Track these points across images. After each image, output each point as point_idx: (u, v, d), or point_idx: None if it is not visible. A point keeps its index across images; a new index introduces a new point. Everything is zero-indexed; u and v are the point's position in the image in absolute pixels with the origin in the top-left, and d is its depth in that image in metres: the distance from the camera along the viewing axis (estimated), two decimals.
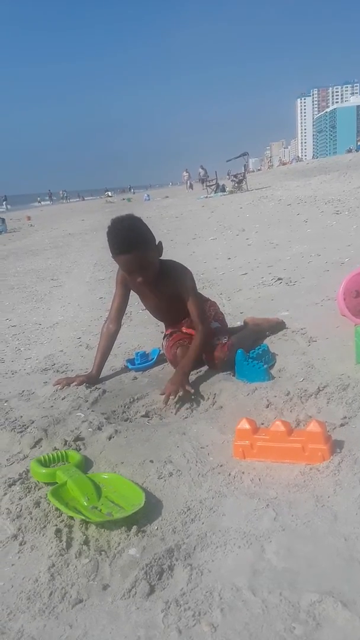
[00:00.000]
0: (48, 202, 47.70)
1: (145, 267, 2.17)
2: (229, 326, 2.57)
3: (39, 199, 52.99)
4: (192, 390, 2.01)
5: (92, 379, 2.31)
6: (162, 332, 2.64)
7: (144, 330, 3.07)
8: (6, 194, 45.68)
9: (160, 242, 2.24)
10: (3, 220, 15.20)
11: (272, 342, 2.46)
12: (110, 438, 1.74)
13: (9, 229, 14.87)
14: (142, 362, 2.46)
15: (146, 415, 1.99)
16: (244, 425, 1.52)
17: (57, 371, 2.55)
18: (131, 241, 2.11)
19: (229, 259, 5.34)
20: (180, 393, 1.98)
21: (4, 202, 40.37)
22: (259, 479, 1.41)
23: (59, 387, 2.22)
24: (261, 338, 2.57)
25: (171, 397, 1.98)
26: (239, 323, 2.99)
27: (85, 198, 50.77)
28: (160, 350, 2.57)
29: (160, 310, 2.49)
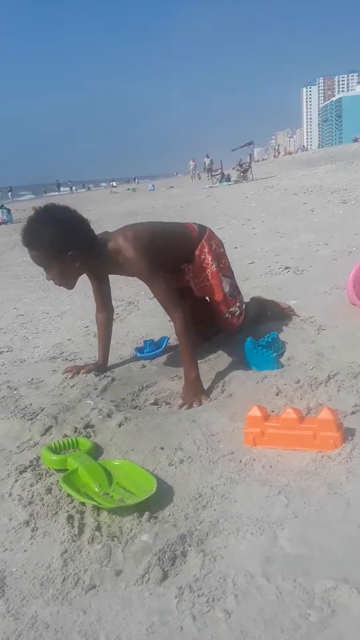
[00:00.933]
0: (66, 190, 47.14)
1: (46, 268, 1.99)
2: None
3: (44, 189, 52.88)
4: (209, 400, 1.90)
5: (100, 368, 2.31)
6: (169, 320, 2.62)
7: (152, 319, 3.06)
8: (12, 184, 45.64)
9: (78, 250, 1.95)
10: (9, 210, 15.19)
11: (281, 331, 2.44)
12: (120, 425, 1.73)
13: (15, 219, 14.85)
14: (150, 351, 2.45)
15: (155, 403, 1.98)
16: (255, 412, 1.51)
17: (66, 359, 2.55)
18: (29, 238, 1.92)
19: (235, 248, 5.30)
20: (196, 405, 1.88)
21: (9, 193, 40.34)
22: (270, 466, 1.40)
23: (69, 375, 2.22)
24: (263, 318, 2.53)
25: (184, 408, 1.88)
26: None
27: (91, 188, 50.57)
28: (168, 339, 2.56)
29: None
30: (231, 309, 2.26)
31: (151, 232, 2.11)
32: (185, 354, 2.01)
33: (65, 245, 1.93)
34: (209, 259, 2.24)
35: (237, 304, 2.28)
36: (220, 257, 2.29)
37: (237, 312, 2.27)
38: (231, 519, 1.21)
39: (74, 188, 50.54)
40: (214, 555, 1.10)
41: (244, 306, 2.32)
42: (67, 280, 2.05)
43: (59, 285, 2.07)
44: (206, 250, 2.24)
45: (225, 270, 2.30)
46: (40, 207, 2.02)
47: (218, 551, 1.11)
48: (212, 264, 2.24)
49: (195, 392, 1.94)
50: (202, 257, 2.24)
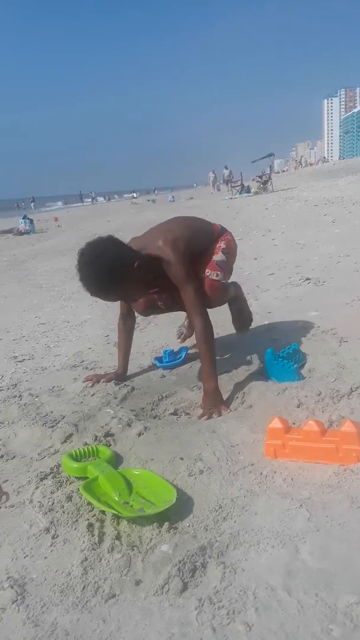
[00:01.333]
0: (88, 202, 47.69)
1: (122, 298, 2.13)
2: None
3: (63, 200, 53.67)
4: (229, 411, 1.89)
5: (120, 377, 2.32)
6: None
7: (171, 329, 3.06)
8: (35, 195, 46.44)
9: (138, 264, 1.96)
10: (31, 220, 15.40)
11: (302, 342, 2.43)
12: (139, 434, 1.74)
13: (37, 229, 15.07)
14: (170, 361, 2.46)
15: (175, 413, 1.98)
16: (276, 424, 1.50)
17: (86, 368, 2.56)
18: (94, 290, 1.93)
19: (255, 259, 5.29)
20: (216, 416, 1.86)
21: (32, 204, 41.04)
22: (292, 479, 1.39)
23: (89, 384, 2.24)
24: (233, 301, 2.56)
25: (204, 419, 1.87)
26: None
27: (111, 199, 51.14)
28: (188, 349, 2.56)
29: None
30: (209, 271, 2.18)
31: (188, 238, 2.12)
32: (205, 363, 2.00)
33: (123, 268, 1.93)
34: (217, 249, 2.25)
35: (220, 272, 2.20)
36: (229, 247, 2.29)
37: (216, 278, 2.18)
38: (252, 531, 1.20)
39: (98, 199, 51.21)
40: (235, 567, 1.09)
41: (225, 280, 2.25)
42: (136, 292, 2.09)
43: (136, 300, 2.16)
44: (217, 246, 2.26)
45: (225, 251, 2.27)
46: (78, 256, 1.95)
47: (238, 563, 1.10)
48: (219, 249, 2.25)
49: (215, 402, 1.93)
50: (213, 248, 2.25)
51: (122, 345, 2.39)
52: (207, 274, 2.17)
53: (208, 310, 2.09)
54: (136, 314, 2.39)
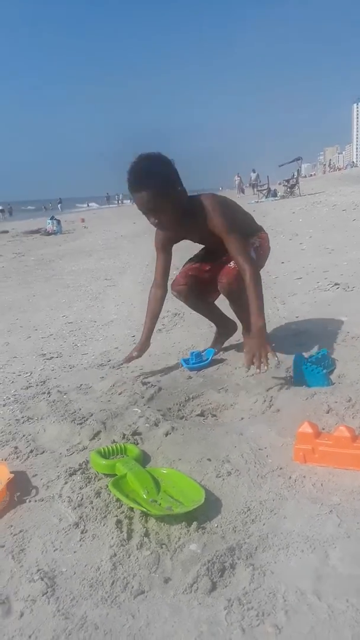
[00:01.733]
0: (114, 204, 48.39)
1: (156, 210, 2.07)
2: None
3: (87, 203, 54.57)
4: (273, 344, 1.94)
5: (144, 346, 2.42)
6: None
7: (197, 330, 3.07)
8: (61, 196, 47.18)
9: (183, 189, 2.09)
10: (59, 221, 15.62)
11: (331, 348, 2.40)
12: (167, 434, 1.74)
13: (64, 230, 15.28)
14: (197, 362, 2.46)
15: (201, 415, 1.98)
16: (306, 428, 1.48)
17: (113, 367, 2.59)
18: (142, 181, 2.00)
19: (282, 263, 5.27)
20: (263, 361, 1.94)
21: (59, 205, 41.71)
22: (321, 484, 1.37)
23: (127, 365, 2.39)
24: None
25: (255, 360, 1.95)
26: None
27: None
28: (215, 351, 2.57)
29: (210, 246, 2.40)
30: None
31: (234, 208, 2.27)
32: (254, 299, 2.04)
33: (175, 182, 2.06)
34: (250, 245, 2.29)
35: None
36: (261, 246, 2.36)
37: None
38: (281, 534, 1.19)
39: (125, 201, 51.83)
40: (264, 569, 1.09)
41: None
42: (174, 221, 2.13)
43: (165, 228, 2.19)
44: (251, 241, 2.31)
45: (257, 250, 2.33)
46: (139, 155, 2.06)
47: (267, 566, 1.10)
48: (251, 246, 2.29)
49: (261, 342, 1.96)
50: (251, 240, 2.31)
51: (150, 312, 2.44)
52: (231, 265, 2.21)
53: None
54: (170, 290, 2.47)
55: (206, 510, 1.30)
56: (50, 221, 15.56)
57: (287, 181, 19.14)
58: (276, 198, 18.25)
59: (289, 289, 4.00)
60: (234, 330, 2.71)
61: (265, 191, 20.06)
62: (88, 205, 49.44)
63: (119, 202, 49.38)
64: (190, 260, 2.50)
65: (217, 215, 2.10)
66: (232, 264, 2.22)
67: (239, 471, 1.47)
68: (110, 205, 45.49)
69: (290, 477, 1.42)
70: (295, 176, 19.43)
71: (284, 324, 3.04)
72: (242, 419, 1.87)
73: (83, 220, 19.69)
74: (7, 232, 16.96)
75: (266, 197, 19.09)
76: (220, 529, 1.24)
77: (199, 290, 2.45)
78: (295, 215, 10.37)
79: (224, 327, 2.69)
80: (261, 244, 2.32)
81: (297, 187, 18.32)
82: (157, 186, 2.00)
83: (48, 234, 14.83)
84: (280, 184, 20.47)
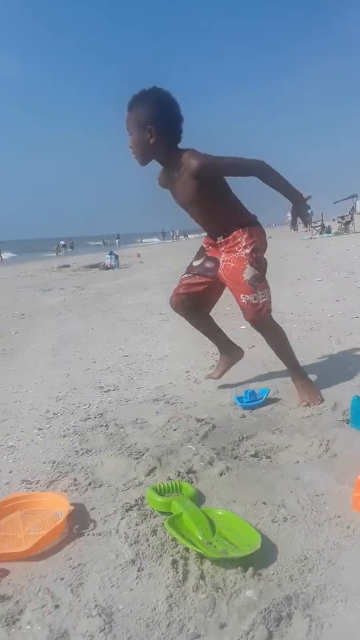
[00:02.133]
0: (156, 240, 50.01)
1: (131, 134, 2.21)
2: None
3: (141, 239, 56.58)
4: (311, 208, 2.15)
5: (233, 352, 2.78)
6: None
7: (251, 368, 3.07)
8: (120, 232, 48.97)
9: (170, 134, 2.20)
10: (116, 256, 16.10)
11: None
12: (221, 474, 1.75)
13: (121, 264, 15.73)
14: (250, 401, 2.46)
15: (255, 455, 1.97)
16: None
17: (167, 402, 2.62)
18: (131, 102, 2.17)
19: (337, 301, 5.19)
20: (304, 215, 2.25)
21: (117, 240, 43.18)
22: None
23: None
24: None
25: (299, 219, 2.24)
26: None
27: (189, 236, 52.58)
28: (269, 390, 2.56)
29: (189, 210, 2.41)
30: (247, 296, 2.29)
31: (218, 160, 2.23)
32: (279, 185, 2.24)
33: (151, 119, 2.14)
34: (243, 244, 2.31)
35: (254, 294, 2.28)
36: (257, 250, 2.34)
37: (254, 302, 2.29)
38: (339, 586, 1.17)
39: (180, 237, 53.02)
40: (321, 622, 1.07)
41: (263, 299, 2.30)
42: (140, 153, 2.24)
43: (134, 156, 2.26)
44: (245, 237, 2.32)
45: (255, 261, 2.32)
46: (153, 87, 2.20)
47: (325, 618, 1.08)
48: (242, 250, 2.31)
49: (302, 205, 2.28)
50: (239, 239, 2.32)
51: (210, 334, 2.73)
52: (243, 301, 2.30)
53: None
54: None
55: (262, 556, 1.29)
56: (108, 256, 16.06)
57: (342, 217, 18.97)
58: (330, 235, 18.08)
59: (345, 328, 3.94)
60: (237, 357, 2.78)
61: (319, 227, 19.94)
62: (141, 241, 51.09)
63: (174, 237, 50.63)
64: (187, 271, 2.60)
65: (193, 160, 2.13)
66: (242, 298, 2.30)
67: (295, 517, 1.45)
68: (166, 241, 46.78)
69: (348, 527, 1.39)
70: (350, 213, 19.25)
71: (341, 365, 2.99)
72: (297, 462, 1.85)
73: (139, 255, 20.21)
74: (68, 266, 17.65)
75: (320, 234, 18.96)
76: (277, 576, 1.22)
77: (193, 305, 2.59)
78: (350, 252, 10.23)
79: (227, 353, 2.78)
80: (257, 246, 2.34)
81: (352, 224, 18.11)
82: (139, 112, 2.16)
83: (106, 268, 15.30)
84: (334, 220, 20.31)
